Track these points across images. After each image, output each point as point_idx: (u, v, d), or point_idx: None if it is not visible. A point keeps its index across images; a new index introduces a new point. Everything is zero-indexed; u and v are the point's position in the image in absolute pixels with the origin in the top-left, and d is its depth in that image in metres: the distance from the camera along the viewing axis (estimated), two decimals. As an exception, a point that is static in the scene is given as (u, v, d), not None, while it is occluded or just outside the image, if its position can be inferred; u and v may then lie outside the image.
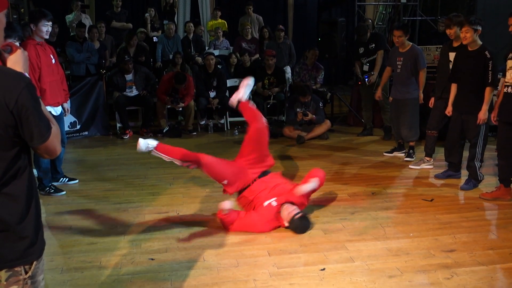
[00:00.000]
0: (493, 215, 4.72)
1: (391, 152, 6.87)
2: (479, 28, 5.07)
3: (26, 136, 1.79)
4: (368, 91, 7.93)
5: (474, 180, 5.44)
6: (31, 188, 1.88)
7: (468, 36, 5.09)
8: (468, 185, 5.45)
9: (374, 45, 7.86)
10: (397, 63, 6.44)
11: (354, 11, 11.99)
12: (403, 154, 6.73)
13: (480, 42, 5.15)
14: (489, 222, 4.56)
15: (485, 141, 5.35)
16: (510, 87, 4.70)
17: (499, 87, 5.11)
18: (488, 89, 5.10)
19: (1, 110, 1.71)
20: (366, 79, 7.80)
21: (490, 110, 5.18)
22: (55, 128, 1.87)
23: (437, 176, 5.78)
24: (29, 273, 1.88)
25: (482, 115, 5.14)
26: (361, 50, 8.04)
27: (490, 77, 5.05)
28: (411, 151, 6.61)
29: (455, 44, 5.67)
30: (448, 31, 5.75)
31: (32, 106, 1.76)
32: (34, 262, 1.89)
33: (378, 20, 12.07)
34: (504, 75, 4.93)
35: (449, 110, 5.56)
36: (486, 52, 5.07)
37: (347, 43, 9.10)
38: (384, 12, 12.43)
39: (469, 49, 5.18)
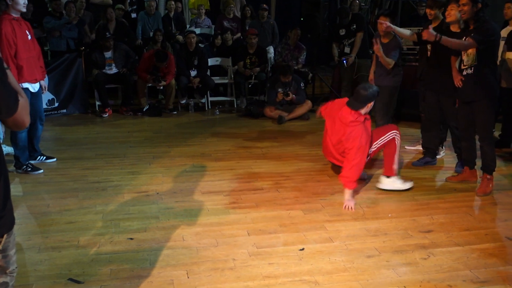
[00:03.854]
0: (470, 196, 4.78)
1: None
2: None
3: None
4: (348, 73, 7.92)
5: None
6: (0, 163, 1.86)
7: (452, 13, 5.01)
8: (462, 168, 5.38)
9: (355, 26, 7.84)
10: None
11: (337, -9, 11.93)
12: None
13: (462, 25, 5.15)
14: (466, 203, 4.62)
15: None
16: (468, 68, 4.72)
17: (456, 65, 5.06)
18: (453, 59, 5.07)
19: None
20: (345, 62, 7.77)
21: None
22: (23, 100, 1.84)
23: (414, 164, 5.73)
24: (0, 246, 1.87)
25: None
26: (342, 32, 8.00)
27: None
28: None
29: (434, 25, 5.65)
30: (428, 11, 5.69)
31: None
32: (5, 236, 1.88)
33: (361, 1, 12.01)
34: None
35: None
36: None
37: (329, 23, 9.06)
38: (367, -7, 12.37)
39: (452, 30, 5.18)
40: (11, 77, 1.82)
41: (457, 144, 5.45)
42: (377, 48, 5.87)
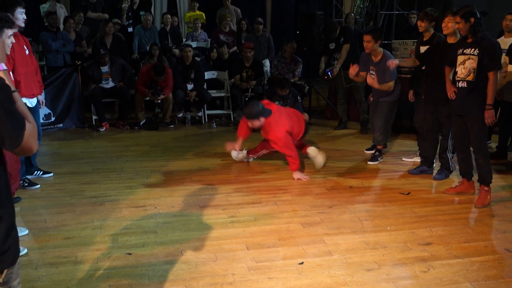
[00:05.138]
0: (468, 208, 4.78)
1: (372, 149, 6.65)
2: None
3: None
4: (340, 84, 7.94)
5: (446, 170, 5.60)
6: (2, 194, 1.80)
7: (449, 26, 5.14)
8: (440, 175, 5.60)
9: (342, 38, 7.88)
10: (371, 72, 6.16)
11: (331, 4, 12.02)
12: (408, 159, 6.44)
13: (459, 36, 5.21)
14: (464, 215, 4.62)
15: None
16: (461, 81, 4.75)
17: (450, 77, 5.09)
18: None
19: None
20: (329, 73, 7.77)
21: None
22: (30, 126, 1.79)
23: (410, 172, 5.81)
24: (0, 280, 1.82)
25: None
26: (332, 45, 8.03)
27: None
28: (376, 153, 6.38)
29: (425, 38, 5.71)
30: (419, 23, 5.73)
31: (3, 109, 1.67)
32: (5, 270, 1.83)
33: (356, 13, 12.11)
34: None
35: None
36: None
37: (325, 36, 9.11)
38: (361, 6, 12.48)
39: (449, 42, 5.23)
40: (19, 100, 1.76)
41: (442, 155, 5.57)
42: (372, 82, 5.99)
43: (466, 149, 4.94)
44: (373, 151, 6.54)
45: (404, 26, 10.63)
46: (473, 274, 3.49)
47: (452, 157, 5.56)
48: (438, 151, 5.68)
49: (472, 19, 4.55)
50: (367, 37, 5.96)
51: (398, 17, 11.75)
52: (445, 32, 5.24)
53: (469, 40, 4.67)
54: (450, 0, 10.88)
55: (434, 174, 5.66)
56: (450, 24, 5.13)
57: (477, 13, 4.58)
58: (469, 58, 4.66)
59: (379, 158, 6.37)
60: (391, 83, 5.97)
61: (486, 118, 4.63)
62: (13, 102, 1.74)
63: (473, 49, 4.64)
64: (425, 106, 5.55)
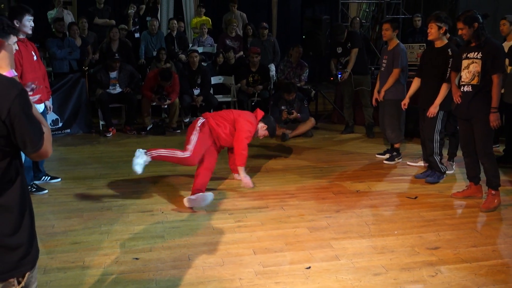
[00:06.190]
0: (476, 212, 4.76)
1: (383, 154, 6.67)
2: (444, 26, 5.17)
3: (19, 144, 1.73)
4: (347, 88, 7.94)
5: (438, 172, 5.59)
6: (24, 197, 1.82)
7: (432, 32, 5.23)
8: (433, 178, 5.60)
9: (349, 44, 7.87)
10: (383, 61, 6.37)
11: (337, 9, 12.03)
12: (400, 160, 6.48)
13: (446, 41, 5.28)
14: (472, 219, 4.60)
15: (441, 135, 5.51)
16: (466, 85, 4.73)
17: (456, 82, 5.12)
18: (444, 85, 5.21)
19: None
20: (340, 76, 7.79)
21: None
22: (47, 131, 1.81)
23: (417, 177, 5.79)
24: (22, 284, 1.83)
25: (433, 108, 5.28)
26: (339, 50, 8.01)
27: (448, 74, 5.15)
28: (394, 153, 6.44)
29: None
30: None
31: (25, 114, 1.69)
32: (28, 273, 1.84)
33: (362, 18, 12.12)
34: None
35: (405, 102, 5.82)
36: (449, 50, 5.20)
37: (331, 40, 9.12)
38: (367, 10, 12.50)
39: (435, 46, 5.33)
40: (33, 106, 1.79)
41: (429, 158, 5.59)
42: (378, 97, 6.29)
43: (472, 153, 4.91)
44: (384, 156, 6.57)
45: (409, 29, 10.61)
46: (481, 279, 3.47)
47: (441, 159, 5.58)
48: (423, 154, 5.78)
49: (476, 24, 4.56)
50: (385, 26, 6.30)
51: (404, 21, 11.73)
52: (430, 38, 5.34)
53: (473, 44, 4.67)
54: (457, 3, 10.86)
55: (426, 178, 5.64)
56: (433, 30, 5.23)
57: (479, 17, 4.58)
58: (473, 62, 4.65)
59: (396, 158, 6.44)
60: (397, 71, 6.12)
61: (491, 121, 4.60)
62: (32, 106, 1.76)
63: (476, 53, 4.64)
64: (419, 112, 5.62)
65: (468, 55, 4.70)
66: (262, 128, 5.52)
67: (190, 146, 4.98)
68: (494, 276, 3.51)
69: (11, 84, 1.70)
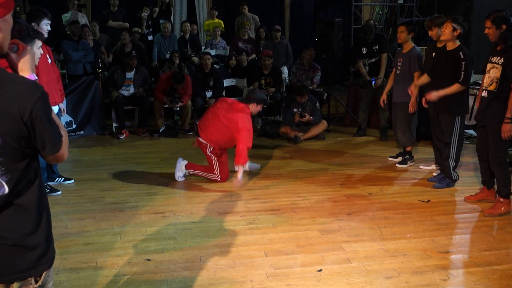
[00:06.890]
0: (489, 216, 4.72)
1: (396, 157, 6.65)
2: (459, 29, 5.04)
3: (38, 146, 1.76)
4: (368, 92, 7.88)
5: (448, 179, 5.51)
6: (41, 198, 1.85)
7: (446, 32, 5.10)
8: (441, 184, 5.53)
9: (377, 47, 7.75)
10: (398, 64, 6.30)
11: (350, 11, 12.00)
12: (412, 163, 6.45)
13: (458, 43, 5.16)
14: (485, 223, 4.56)
15: (459, 141, 5.42)
16: (484, 91, 4.65)
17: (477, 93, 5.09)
18: (456, 85, 5.11)
19: (15, 122, 1.67)
20: (373, 82, 7.68)
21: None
22: (64, 134, 1.84)
23: (430, 180, 5.75)
24: (39, 283, 1.85)
25: (435, 93, 5.19)
26: (364, 50, 7.89)
27: (462, 76, 5.07)
28: (407, 156, 6.42)
29: (439, 45, 5.64)
30: (430, 33, 5.78)
31: (46, 116, 1.72)
32: (45, 272, 1.87)
33: (375, 20, 12.07)
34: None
35: (412, 101, 5.96)
36: (461, 53, 5.08)
37: (343, 43, 9.10)
38: (380, 12, 12.43)
39: (447, 49, 5.21)
40: (52, 110, 1.82)
41: (444, 162, 5.50)
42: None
43: (487, 159, 4.84)
44: (397, 159, 6.55)
45: (419, 33, 10.51)
46: (494, 283, 3.44)
47: (455, 165, 5.50)
48: (436, 158, 5.74)
49: (504, 26, 4.40)
50: (401, 28, 6.32)
51: (418, 24, 11.65)
52: (442, 38, 5.23)
53: (498, 48, 4.54)
54: (471, 4, 10.77)
55: (435, 183, 5.58)
56: (447, 30, 5.10)
57: (510, 19, 4.42)
58: (493, 67, 4.54)
59: (408, 162, 6.41)
60: (418, 74, 6.07)
61: (503, 132, 4.46)
62: (51, 109, 1.79)
63: (499, 58, 4.51)
64: (430, 115, 5.57)
65: (492, 59, 4.58)
66: (255, 108, 5.75)
67: (217, 172, 5.73)
68: (508, 280, 3.48)
69: (34, 86, 1.73)
